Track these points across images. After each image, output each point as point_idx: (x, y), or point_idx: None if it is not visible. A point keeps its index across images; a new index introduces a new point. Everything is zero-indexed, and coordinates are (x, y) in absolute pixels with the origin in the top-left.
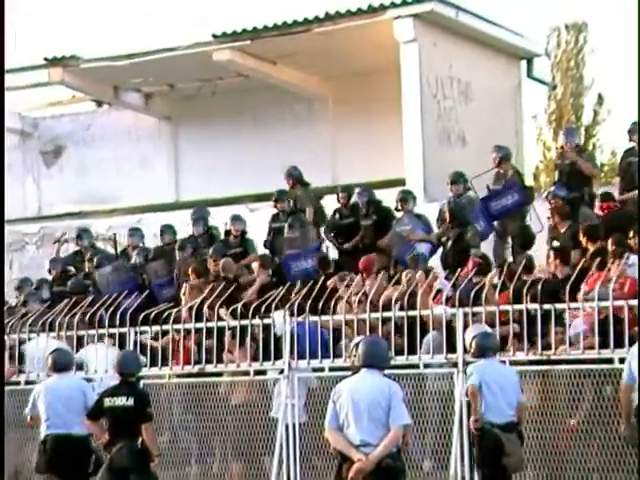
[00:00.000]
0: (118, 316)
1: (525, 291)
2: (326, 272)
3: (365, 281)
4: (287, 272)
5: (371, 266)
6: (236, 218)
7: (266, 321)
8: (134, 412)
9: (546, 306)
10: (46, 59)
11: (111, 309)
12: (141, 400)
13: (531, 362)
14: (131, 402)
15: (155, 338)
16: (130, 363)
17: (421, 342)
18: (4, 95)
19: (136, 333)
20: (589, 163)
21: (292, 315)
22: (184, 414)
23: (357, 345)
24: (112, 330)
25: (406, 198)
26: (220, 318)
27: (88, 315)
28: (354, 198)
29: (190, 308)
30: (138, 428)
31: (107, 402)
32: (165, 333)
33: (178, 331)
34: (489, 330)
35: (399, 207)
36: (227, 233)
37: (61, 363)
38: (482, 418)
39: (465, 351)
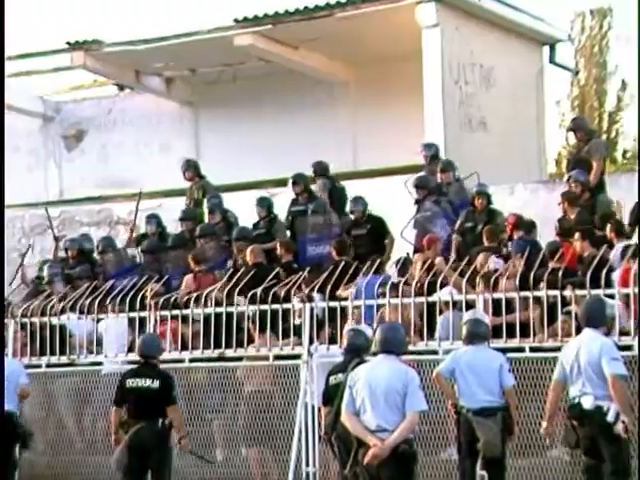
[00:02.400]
0: (138, 301)
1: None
2: (341, 257)
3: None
4: (302, 255)
5: (434, 243)
6: (262, 201)
7: (286, 306)
8: (159, 395)
9: (566, 292)
10: (68, 43)
11: (131, 293)
12: (167, 383)
13: (552, 349)
14: (156, 384)
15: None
16: (152, 346)
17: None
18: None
19: (156, 318)
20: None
21: (311, 300)
22: (205, 399)
23: (349, 332)
24: (132, 314)
25: (424, 185)
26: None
27: (109, 299)
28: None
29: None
30: (160, 409)
31: (129, 383)
32: (185, 318)
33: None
34: (481, 317)
35: (419, 194)
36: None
37: None
38: (458, 403)
39: None
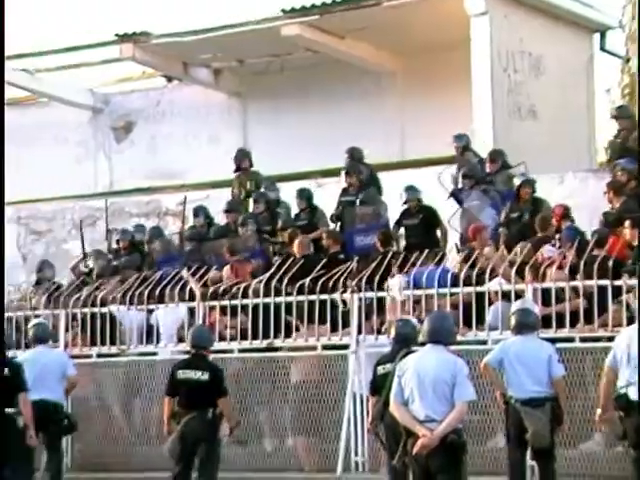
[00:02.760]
0: (187, 291)
1: (596, 266)
2: (386, 248)
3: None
4: (350, 245)
5: (480, 233)
6: (301, 192)
7: (333, 296)
8: (210, 387)
9: (617, 282)
10: (117, 35)
11: (180, 284)
12: (217, 375)
13: (602, 339)
14: (206, 377)
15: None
16: (203, 337)
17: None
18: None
19: (205, 308)
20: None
21: (360, 290)
22: (253, 389)
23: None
24: (182, 305)
25: (473, 174)
26: (289, 293)
27: (158, 289)
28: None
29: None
30: (210, 401)
31: (180, 374)
32: (233, 308)
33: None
34: (530, 307)
35: (466, 183)
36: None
37: (41, 335)
38: (507, 393)
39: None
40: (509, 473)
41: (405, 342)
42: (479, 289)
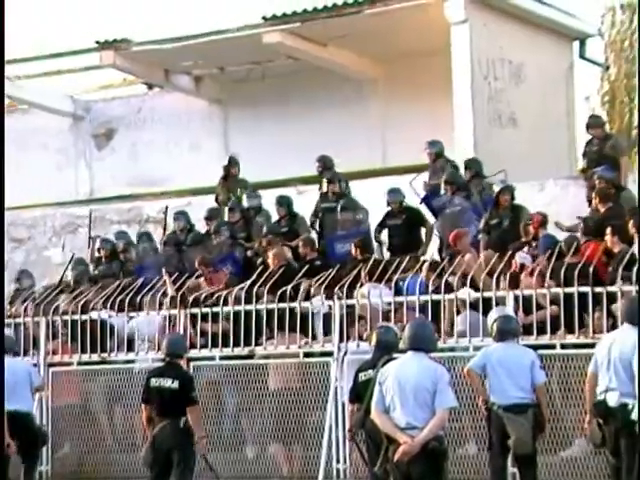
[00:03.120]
0: (168, 298)
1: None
2: (364, 255)
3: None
4: (330, 252)
5: (460, 239)
6: (281, 199)
7: (305, 305)
8: (180, 395)
9: (598, 289)
10: (98, 42)
11: (161, 291)
12: (186, 383)
13: (577, 345)
14: (176, 385)
15: (204, 319)
16: (178, 345)
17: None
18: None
19: (186, 315)
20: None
21: (340, 298)
22: (234, 396)
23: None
24: (163, 312)
25: (453, 181)
26: (271, 301)
27: (139, 297)
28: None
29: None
30: (182, 409)
31: (153, 382)
32: (215, 315)
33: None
34: (510, 313)
35: (447, 189)
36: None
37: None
38: (489, 400)
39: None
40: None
41: (386, 349)
42: (460, 296)
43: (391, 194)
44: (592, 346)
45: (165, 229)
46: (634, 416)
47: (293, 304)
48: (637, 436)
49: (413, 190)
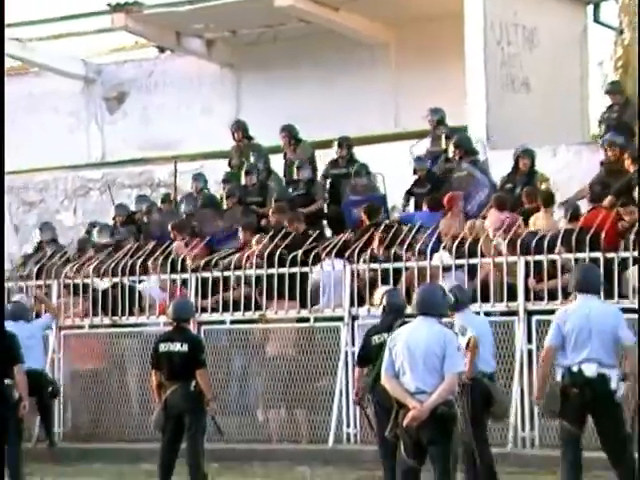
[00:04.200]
0: (179, 262)
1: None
2: (372, 221)
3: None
4: (347, 217)
5: (455, 203)
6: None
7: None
8: (189, 358)
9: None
10: (109, 5)
11: (172, 255)
12: (196, 346)
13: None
14: (186, 348)
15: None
16: (184, 309)
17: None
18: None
19: (197, 279)
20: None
21: (351, 262)
22: (244, 360)
23: (384, 295)
24: (174, 276)
25: (462, 144)
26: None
27: (151, 260)
28: None
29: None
30: (192, 372)
31: (162, 347)
32: (226, 279)
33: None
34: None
35: (455, 153)
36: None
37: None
38: (475, 368)
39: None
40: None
41: (399, 312)
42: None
43: (418, 161)
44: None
45: (176, 190)
46: (613, 385)
47: (305, 269)
48: (617, 405)
49: (413, 156)
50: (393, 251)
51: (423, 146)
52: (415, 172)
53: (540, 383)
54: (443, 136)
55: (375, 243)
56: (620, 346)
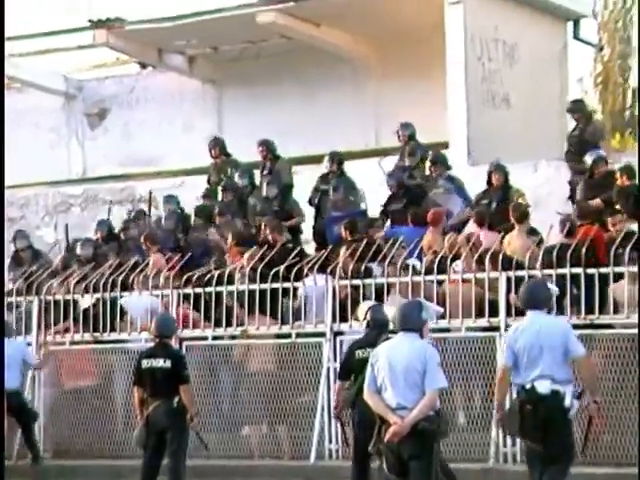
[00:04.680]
0: (162, 278)
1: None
2: (354, 237)
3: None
4: (329, 234)
5: (439, 219)
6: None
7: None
8: (172, 374)
9: (590, 270)
10: (91, 21)
11: (154, 271)
12: (178, 362)
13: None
14: (168, 364)
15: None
16: (167, 326)
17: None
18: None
19: (179, 295)
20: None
21: (333, 278)
22: (227, 376)
23: (369, 310)
24: (156, 292)
25: (438, 161)
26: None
27: (132, 276)
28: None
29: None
30: (175, 388)
31: (145, 363)
32: (208, 295)
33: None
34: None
35: (432, 170)
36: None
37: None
38: None
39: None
40: None
41: (383, 327)
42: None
43: (389, 177)
44: (582, 327)
45: (150, 210)
46: (567, 403)
47: (286, 284)
48: (570, 424)
49: (382, 170)
50: (364, 266)
51: (391, 161)
52: (390, 188)
53: (498, 405)
54: (417, 152)
55: (340, 259)
56: (571, 360)
